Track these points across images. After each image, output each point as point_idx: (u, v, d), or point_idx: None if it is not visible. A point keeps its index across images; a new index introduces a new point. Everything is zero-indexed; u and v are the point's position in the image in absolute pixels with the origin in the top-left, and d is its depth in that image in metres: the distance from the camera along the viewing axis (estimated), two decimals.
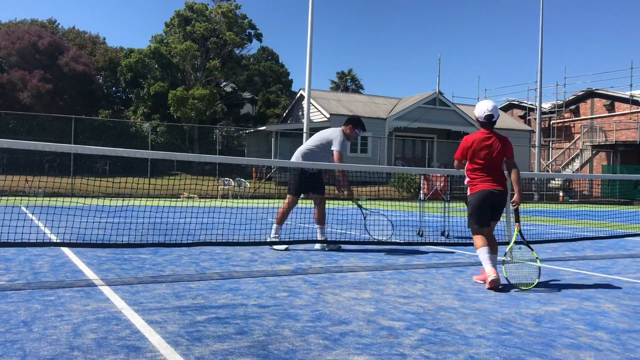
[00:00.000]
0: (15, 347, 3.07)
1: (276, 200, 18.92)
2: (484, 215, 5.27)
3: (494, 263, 5.17)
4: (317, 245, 7.56)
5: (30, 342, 3.16)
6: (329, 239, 7.86)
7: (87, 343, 3.16)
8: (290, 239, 7.82)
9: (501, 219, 5.56)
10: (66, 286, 4.72)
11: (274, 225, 7.59)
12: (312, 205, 7.77)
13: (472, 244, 8.14)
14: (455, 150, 5.67)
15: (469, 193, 5.37)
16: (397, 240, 8.15)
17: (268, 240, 7.50)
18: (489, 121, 5.30)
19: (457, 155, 5.44)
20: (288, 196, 7.64)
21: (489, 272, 5.04)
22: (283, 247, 7.42)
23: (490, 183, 5.25)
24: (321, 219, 7.59)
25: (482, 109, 5.34)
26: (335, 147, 7.50)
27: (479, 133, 5.34)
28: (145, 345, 3.15)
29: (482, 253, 5.14)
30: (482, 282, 5.31)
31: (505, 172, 5.43)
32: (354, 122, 7.75)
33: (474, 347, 3.31)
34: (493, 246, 5.29)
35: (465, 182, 5.46)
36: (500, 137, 5.36)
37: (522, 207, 5.61)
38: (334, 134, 7.62)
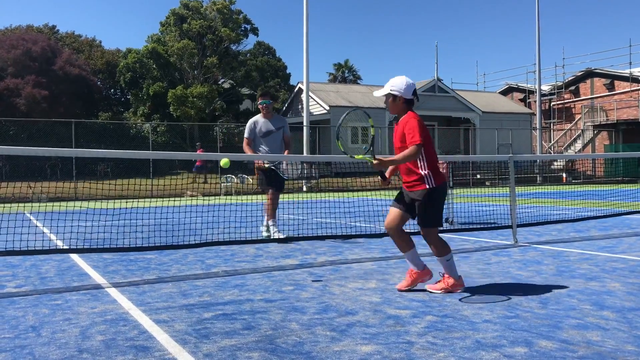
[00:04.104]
0: (25, 352, 3.09)
1: (280, 195, 18.91)
2: None
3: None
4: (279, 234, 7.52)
5: (39, 346, 3.18)
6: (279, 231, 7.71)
7: (95, 345, 3.18)
8: (301, 235, 7.79)
9: (506, 201, 5.50)
10: (73, 290, 4.74)
11: (270, 221, 7.59)
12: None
13: (476, 230, 8.16)
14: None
15: (434, 184, 4.27)
16: None
17: (274, 237, 7.44)
18: (417, 97, 4.44)
19: (419, 139, 4.18)
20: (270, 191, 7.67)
21: (459, 280, 4.41)
22: (283, 235, 7.47)
23: (443, 174, 4.45)
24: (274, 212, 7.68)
25: (408, 84, 4.34)
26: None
27: (416, 114, 4.37)
28: (153, 345, 3.17)
29: (452, 257, 4.43)
30: (440, 291, 4.39)
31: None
32: (258, 96, 8.01)
33: (480, 331, 3.32)
34: (409, 243, 4.49)
35: (423, 172, 4.29)
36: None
37: (524, 189, 5.56)
38: None
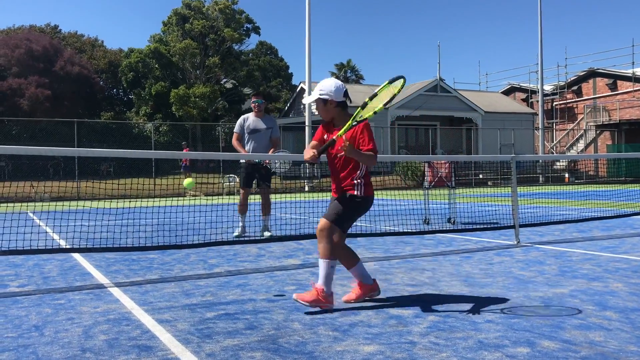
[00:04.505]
0: (28, 351, 3.09)
1: (281, 195, 18.94)
2: None
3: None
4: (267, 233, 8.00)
5: (42, 346, 3.18)
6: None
7: (98, 344, 3.19)
8: (295, 233, 7.82)
9: (508, 202, 5.48)
10: (76, 289, 4.75)
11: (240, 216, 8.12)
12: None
13: (479, 230, 8.15)
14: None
15: (362, 192, 4.02)
16: (403, 230, 8.14)
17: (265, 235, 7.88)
18: (349, 99, 4.11)
19: (374, 147, 3.98)
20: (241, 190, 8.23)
21: (374, 285, 4.23)
22: (237, 232, 8.01)
23: (372, 187, 4.18)
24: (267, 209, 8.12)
25: (337, 86, 4.03)
26: None
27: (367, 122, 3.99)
28: (156, 344, 3.18)
29: (335, 266, 4.01)
30: (309, 303, 3.87)
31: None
32: (252, 95, 8.52)
33: (483, 332, 3.32)
34: (354, 257, 4.30)
35: (356, 181, 4.05)
36: None
37: (527, 189, 5.52)
38: None
